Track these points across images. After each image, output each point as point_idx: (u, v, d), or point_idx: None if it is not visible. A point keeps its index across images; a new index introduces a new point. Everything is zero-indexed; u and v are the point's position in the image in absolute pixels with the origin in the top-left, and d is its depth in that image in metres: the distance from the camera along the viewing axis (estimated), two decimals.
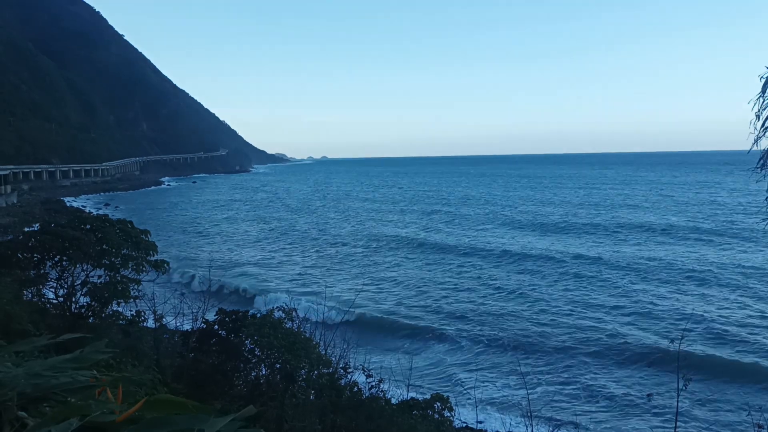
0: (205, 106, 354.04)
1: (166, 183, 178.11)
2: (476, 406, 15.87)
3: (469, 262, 42.26)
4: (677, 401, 9.78)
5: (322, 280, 36.90)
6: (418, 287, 34.96)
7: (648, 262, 39.53)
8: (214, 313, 10.88)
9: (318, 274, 39.70)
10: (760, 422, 8.55)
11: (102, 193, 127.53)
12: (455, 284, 35.39)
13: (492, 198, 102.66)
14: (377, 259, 44.96)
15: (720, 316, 27.23)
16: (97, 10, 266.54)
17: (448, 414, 11.15)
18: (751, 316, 27.13)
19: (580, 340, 24.68)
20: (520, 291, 32.87)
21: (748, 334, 24.68)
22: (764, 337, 24.24)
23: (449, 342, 25.49)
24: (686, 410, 17.60)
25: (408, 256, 45.71)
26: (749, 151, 6.47)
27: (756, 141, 6.35)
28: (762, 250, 42.61)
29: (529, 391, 18.86)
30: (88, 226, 11.83)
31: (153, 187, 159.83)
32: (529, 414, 10.95)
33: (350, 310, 24.54)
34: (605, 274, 36.43)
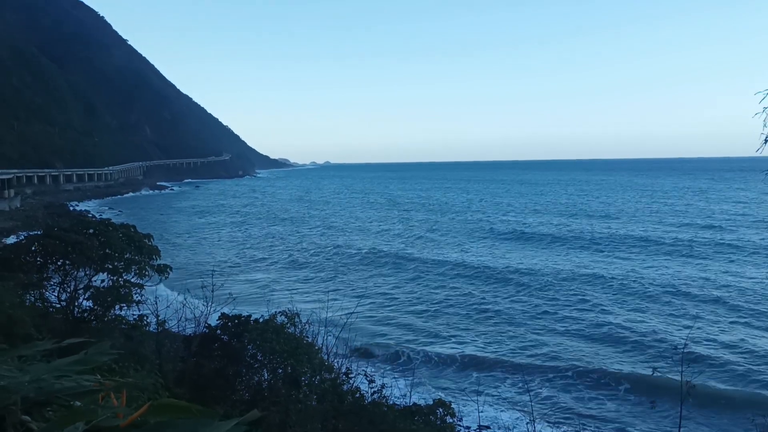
0: (209, 111, 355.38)
1: (170, 187, 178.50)
2: (479, 412, 15.82)
3: (443, 272, 41.19)
4: (681, 408, 9.73)
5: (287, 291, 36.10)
6: (397, 301, 34.18)
7: (642, 274, 39.47)
8: (217, 318, 10.89)
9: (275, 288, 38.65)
10: None
11: (105, 198, 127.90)
12: (439, 297, 34.51)
13: (479, 206, 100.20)
14: (347, 270, 43.61)
15: (722, 333, 27.21)
16: (101, 14, 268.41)
17: (451, 420, 11.13)
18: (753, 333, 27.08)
19: (581, 353, 24.60)
20: (515, 304, 32.53)
21: (751, 351, 24.58)
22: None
23: (449, 351, 25.44)
24: (690, 416, 17.53)
25: (381, 269, 43.97)
26: (758, 150, 6.18)
27: (766, 141, 6.08)
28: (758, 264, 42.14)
29: (531, 396, 18.86)
30: (91, 230, 11.85)
31: (156, 192, 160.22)
32: (532, 420, 10.92)
33: (352, 313, 24.47)
34: (599, 287, 35.94)
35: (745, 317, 28.70)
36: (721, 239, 52.43)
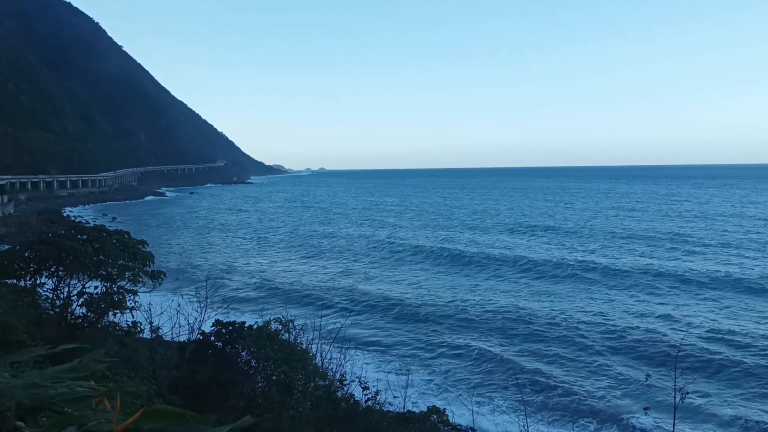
0: (203, 117, 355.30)
1: (164, 194, 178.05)
2: (473, 418, 15.81)
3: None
4: (675, 413, 9.77)
5: None
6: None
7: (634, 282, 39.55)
8: (211, 324, 10.87)
9: None
10: None
11: (99, 204, 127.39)
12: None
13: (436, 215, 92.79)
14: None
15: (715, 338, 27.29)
16: (96, 21, 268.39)
17: (445, 427, 11.13)
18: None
19: (576, 359, 24.67)
20: (507, 310, 32.49)
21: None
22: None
23: (446, 356, 25.43)
24: (682, 422, 17.57)
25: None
26: None
27: None
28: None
29: (525, 401, 18.84)
30: (85, 237, 11.83)
31: (150, 198, 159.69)
32: (526, 426, 10.92)
33: (347, 318, 24.48)
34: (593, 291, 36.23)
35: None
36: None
